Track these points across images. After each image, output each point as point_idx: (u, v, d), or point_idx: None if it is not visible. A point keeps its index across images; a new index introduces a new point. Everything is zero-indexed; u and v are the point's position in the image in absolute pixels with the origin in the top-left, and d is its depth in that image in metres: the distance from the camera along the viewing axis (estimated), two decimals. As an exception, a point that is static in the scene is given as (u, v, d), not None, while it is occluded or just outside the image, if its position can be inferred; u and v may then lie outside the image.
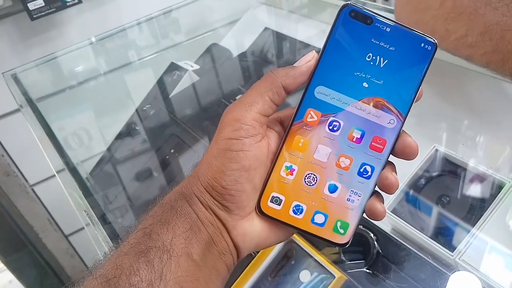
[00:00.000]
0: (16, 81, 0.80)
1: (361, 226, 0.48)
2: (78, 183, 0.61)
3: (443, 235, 0.45)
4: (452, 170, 0.48)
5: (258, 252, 0.50)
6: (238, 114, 0.30)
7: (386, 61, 0.30)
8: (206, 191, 0.30)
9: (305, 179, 0.31)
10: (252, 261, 0.49)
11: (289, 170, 0.31)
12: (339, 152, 0.31)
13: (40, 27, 0.98)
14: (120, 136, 0.82)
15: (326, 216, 0.31)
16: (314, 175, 0.31)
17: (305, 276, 0.47)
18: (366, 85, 0.30)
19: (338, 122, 0.31)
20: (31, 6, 0.88)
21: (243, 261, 0.49)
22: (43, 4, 0.89)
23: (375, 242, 0.47)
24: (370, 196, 0.31)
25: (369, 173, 0.31)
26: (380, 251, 0.46)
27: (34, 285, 1.31)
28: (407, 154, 0.31)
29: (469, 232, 0.43)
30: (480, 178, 0.46)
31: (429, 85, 0.61)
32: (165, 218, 0.29)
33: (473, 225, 0.43)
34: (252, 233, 0.31)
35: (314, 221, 0.31)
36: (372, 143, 0.30)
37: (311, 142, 0.31)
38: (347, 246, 0.31)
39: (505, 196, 0.44)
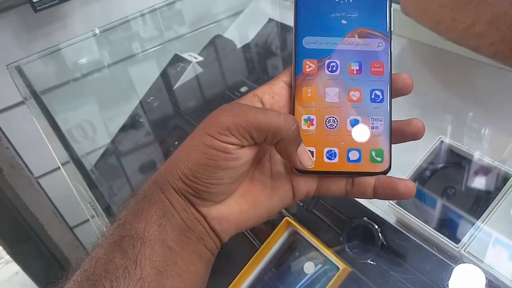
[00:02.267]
0: (20, 73, 0.80)
1: (365, 218, 0.48)
2: (83, 175, 0.61)
3: (448, 227, 0.45)
4: (457, 162, 0.48)
5: (262, 243, 0.50)
6: (229, 122, 0.29)
7: None
8: (180, 178, 0.30)
9: (326, 124, 0.32)
10: (256, 253, 0.49)
11: (308, 122, 0.32)
12: (346, 88, 0.32)
13: (44, 19, 0.97)
14: (124, 128, 0.82)
15: (359, 151, 0.32)
16: (333, 117, 0.32)
17: (309, 267, 0.47)
18: (345, 22, 0.33)
19: (335, 62, 0.33)
20: (34, -3, 0.88)
21: (247, 253, 0.49)
22: (47, -5, 0.89)
23: (380, 234, 0.46)
24: (391, 118, 0.32)
25: (381, 96, 0.32)
26: (385, 243, 0.46)
27: (39, 276, 1.33)
28: (406, 87, 0.33)
29: (474, 224, 0.43)
30: (485, 170, 0.46)
31: (435, 76, 0.61)
32: (138, 207, 0.30)
33: (478, 217, 0.43)
34: (230, 216, 0.31)
35: (350, 159, 0.32)
36: (372, 69, 0.32)
37: (318, 88, 0.32)
38: (389, 171, 0.32)
39: (510, 188, 0.43)
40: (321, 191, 0.33)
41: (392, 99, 0.33)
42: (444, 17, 0.51)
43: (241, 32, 0.92)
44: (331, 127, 0.32)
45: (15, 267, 1.57)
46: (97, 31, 0.93)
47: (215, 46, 0.89)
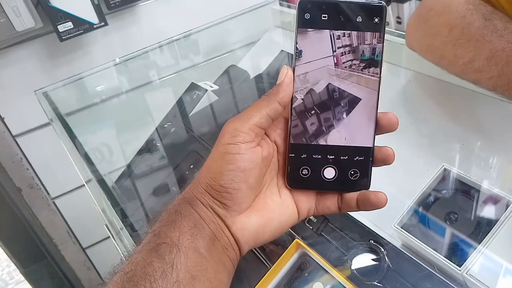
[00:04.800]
0: (47, 98, 0.85)
1: (372, 241, 0.50)
2: (106, 194, 0.64)
3: (451, 250, 0.47)
4: (460, 189, 0.50)
5: (273, 264, 0.52)
6: (237, 124, 0.34)
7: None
8: (206, 192, 0.34)
9: (316, 148, 0.37)
10: (267, 273, 0.51)
11: (302, 146, 0.37)
12: (335, 117, 0.37)
13: (67, 47, 1.03)
14: (141, 152, 0.85)
15: (344, 171, 0.36)
16: (323, 144, 0.37)
17: (318, 288, 0.49)
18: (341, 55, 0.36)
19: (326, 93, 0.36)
20: (61, 28, 0.94)
21: (259, 273, 0.51)
22: (72, 26, 0.95)
23: (386, 257, 0.48)
24: (374, 146, 0.36)
25: (367, 130, 0.36)
26: (390, 265, 0.48)
27: (50, 297, 1.34)
28: (391, 125, 0.36)
29: (476, 248, 0.45)
30: (487, 196, 0.48)
31: (439, 107, 0.64)
32: (171, 219, 0.33)
33: (480, 241, 0.45)
34: (250, 227, 0.35)
35: (336, 178, 0.36)
36: (360, 104, 0.36)
37: (309, 117, 0.37)
38: (370, 187, 0.36)
39: (511, 213, 0.45)
40: (319, 209, 0.38)
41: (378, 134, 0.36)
42: (446, 53, 0.55)
43: (254, 63, 0.96)
44: (322, 153, 0.36)
45: (25, 287, 1.59)
46: (117, 60, 0.98)
47: (229, 75, 0.93)
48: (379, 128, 0.36)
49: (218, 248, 0.33)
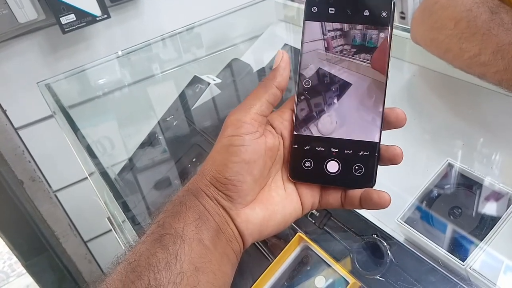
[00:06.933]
0: (50, 90, 0.84)
1: (375, 235, 0.50)
2: (108, 187, 0.64)
3: (454, 245, 0.46)
4: (464, 184, 0.50)
5: (275, 258, 0.52)
6: (239, 115, 0.34)
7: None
8: (211, 184, 0.34)
9: (321, 142, 0.36)
10: (270, 266, 0.51)
11: (307, 138, 0.36)
12: (340, 112, 0.36)
13: (70, 39, 1.03)
14: (143, 145, 0.85)
15: (349, 167, 0.35)
16: (329, 137, 0.36)
17: (320, 281, 0.49)
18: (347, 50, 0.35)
19: (332, 89, 0.36)
20: (63, 20, 0.93)
21: (261, 266, 0.51)
22: (75, 18, 0.94)
23: (388, 251, 0.48)
24: (380, 142, 0.35)
25: (374, 125, 0.35)
26: (393, 259, 0.48)
27: (52, 290, 1.35)
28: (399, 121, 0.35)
29: (479, 242, 0.45)
30: (491, 191, 0.48)
31: (443, 102, 0.63)
32: (176, 210, 0.33)
33: (484, 236, 0.45)
34: (255, 220, 0.34)
35: (340, 173, 0.35)
36: (367, 99, 0.35)
37: (316, 110, 0.36)
38: (375, 185, 0.35)
39: (515, 209, 0.45)
40: (322, 203, 0.37)
41: (385, 130, 0.35)
42: (451, 46, 0.54)
43: (257, 56, 0.96)
44: (326, 146, 0.36)
45: (27, 280, 1.59)
46: (120, 53, 0.97)
47: (232, 69, 0.93)
48: (386, 124, 0.35)
49: (222, 240, 0.33)
